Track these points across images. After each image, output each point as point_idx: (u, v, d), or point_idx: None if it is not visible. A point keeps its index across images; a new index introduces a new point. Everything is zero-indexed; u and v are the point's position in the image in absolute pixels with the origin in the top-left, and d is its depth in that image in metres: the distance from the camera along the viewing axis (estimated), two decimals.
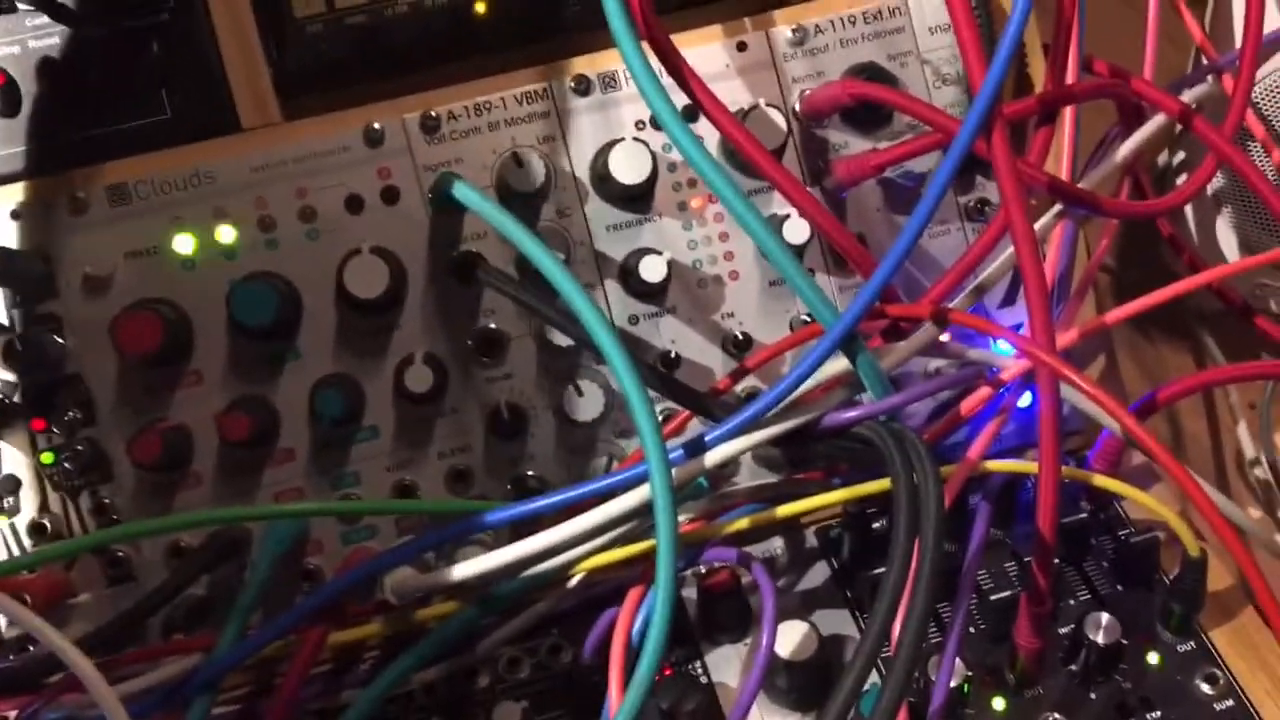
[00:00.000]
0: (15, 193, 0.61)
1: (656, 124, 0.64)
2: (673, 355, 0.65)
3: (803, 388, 0.53)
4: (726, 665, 0.60)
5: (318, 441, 0.63)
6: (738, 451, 0.52)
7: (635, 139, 0.63)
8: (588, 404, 0.63)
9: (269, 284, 0.59)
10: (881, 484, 0.55)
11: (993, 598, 0.59)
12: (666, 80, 0.54)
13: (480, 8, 0.66)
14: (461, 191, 0.58)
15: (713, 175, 0.52)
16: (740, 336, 0.65)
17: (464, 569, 0.52)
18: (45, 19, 0.61)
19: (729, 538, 0.58)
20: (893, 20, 0.68)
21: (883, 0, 0.67)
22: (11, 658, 0.58)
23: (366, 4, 0.65)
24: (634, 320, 0.65)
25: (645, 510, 0.51)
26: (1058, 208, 0.61)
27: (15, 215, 0.61)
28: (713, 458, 0.52)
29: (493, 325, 0.64)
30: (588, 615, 0.59)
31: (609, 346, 0.50)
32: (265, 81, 0.64)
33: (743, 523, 0.58)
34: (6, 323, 0.61)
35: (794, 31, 0.66)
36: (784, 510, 0.58)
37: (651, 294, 0.65)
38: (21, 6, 0.60)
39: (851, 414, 0.54)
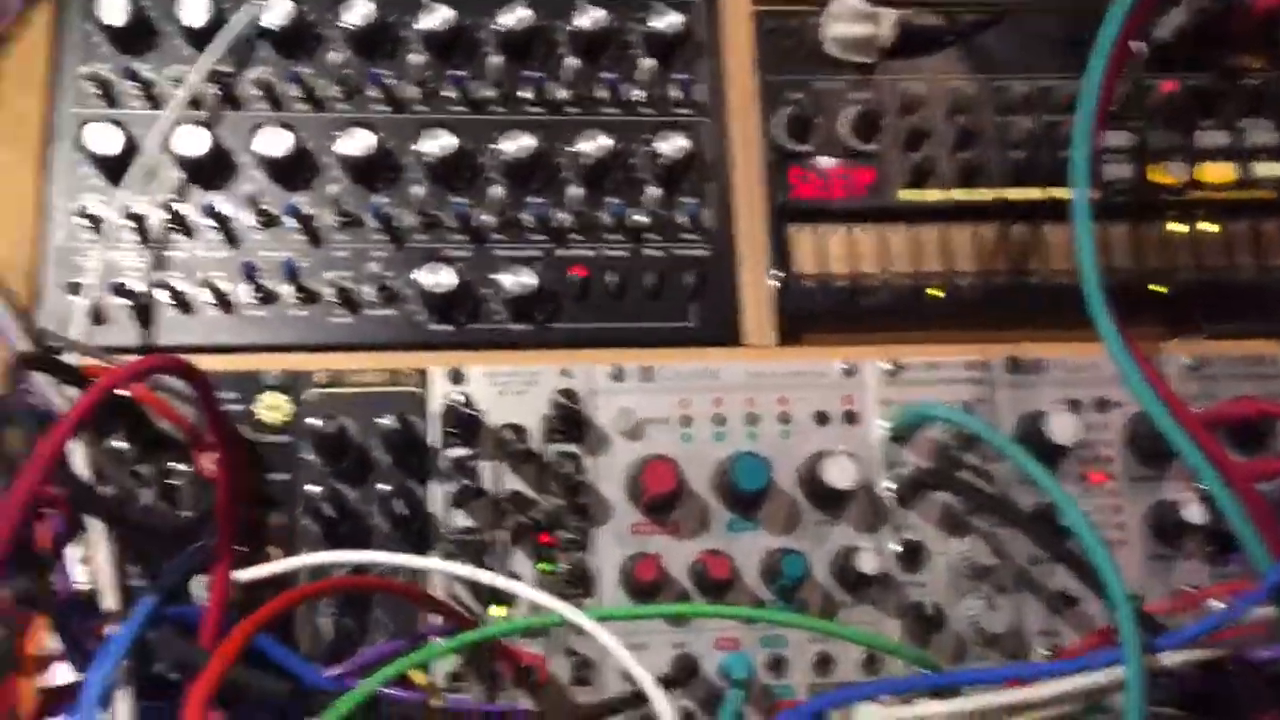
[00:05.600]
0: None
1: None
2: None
3: None
4: None
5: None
6: (1180, 663, 0.62)
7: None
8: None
9: (764, 460, 0.74)
10: None
11: None
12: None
13: (933, 292, 0.83)
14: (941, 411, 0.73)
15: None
16: None
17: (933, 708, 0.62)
18: None
19: None
20: None
21: None
22: None
23: (848, 274, 0.83)
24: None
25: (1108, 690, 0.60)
26: None
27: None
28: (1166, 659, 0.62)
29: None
30: None
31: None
32: (769, 313, 0.82)
33: None
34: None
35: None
36: None
37: None
38: None
39: None
